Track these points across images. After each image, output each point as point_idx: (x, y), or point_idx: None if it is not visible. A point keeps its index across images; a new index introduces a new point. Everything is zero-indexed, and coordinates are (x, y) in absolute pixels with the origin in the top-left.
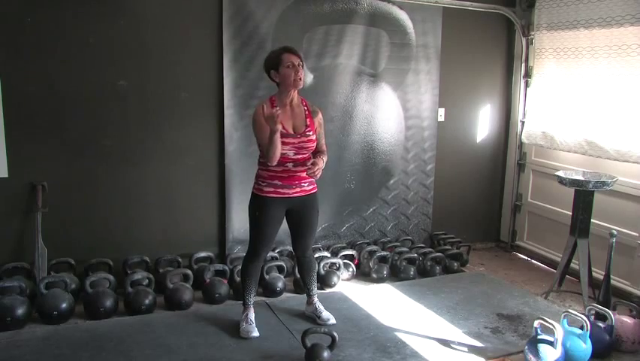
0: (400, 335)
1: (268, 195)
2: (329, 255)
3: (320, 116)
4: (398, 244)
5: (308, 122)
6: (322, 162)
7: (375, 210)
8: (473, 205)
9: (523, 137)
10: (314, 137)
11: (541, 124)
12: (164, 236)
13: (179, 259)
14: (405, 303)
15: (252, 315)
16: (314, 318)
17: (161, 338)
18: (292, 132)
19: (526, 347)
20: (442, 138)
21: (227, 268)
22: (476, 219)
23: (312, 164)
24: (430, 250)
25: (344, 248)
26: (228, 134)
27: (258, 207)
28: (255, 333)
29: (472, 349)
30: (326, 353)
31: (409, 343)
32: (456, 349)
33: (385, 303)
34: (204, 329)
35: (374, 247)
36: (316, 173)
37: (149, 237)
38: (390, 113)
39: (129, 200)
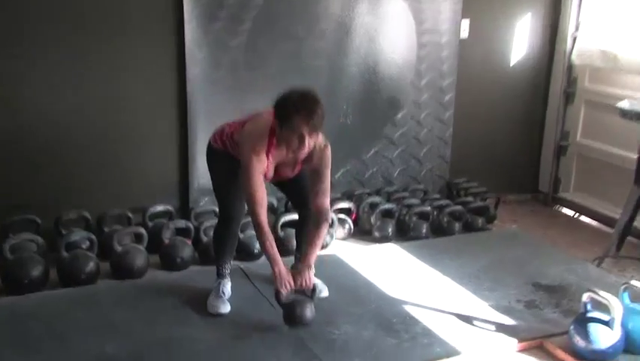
0: (408, 308)
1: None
2: None
3: (327, 152)
4: (407, 194)
5: (297, 168)
6: (308, 272)
7: (378, 152)
8: (504, 146)
9: (573, 56)
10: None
11: (599, 38)
12: (109, 186)
13: (130, 215)
14: (415, 268)
15: (225, 287)
16: None
17: (107, 315)
18: (271, 175)
19: (572, 327)
20: (464, 60)
21: (191, 225)
22: (507, 164)
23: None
24: (448, 202)
25: (338, 200)
26: (190, 55)
27: (219, 159)
28: (224, 309)
29: (501, 328)
30: (308, 308)
31: (419, 319)
32: (480, 327)
33: (390, 268)
34: (162, 302)
35: (376, 199)
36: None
37: (90, 186)
38: (398, 27)
39: (62, 137)
